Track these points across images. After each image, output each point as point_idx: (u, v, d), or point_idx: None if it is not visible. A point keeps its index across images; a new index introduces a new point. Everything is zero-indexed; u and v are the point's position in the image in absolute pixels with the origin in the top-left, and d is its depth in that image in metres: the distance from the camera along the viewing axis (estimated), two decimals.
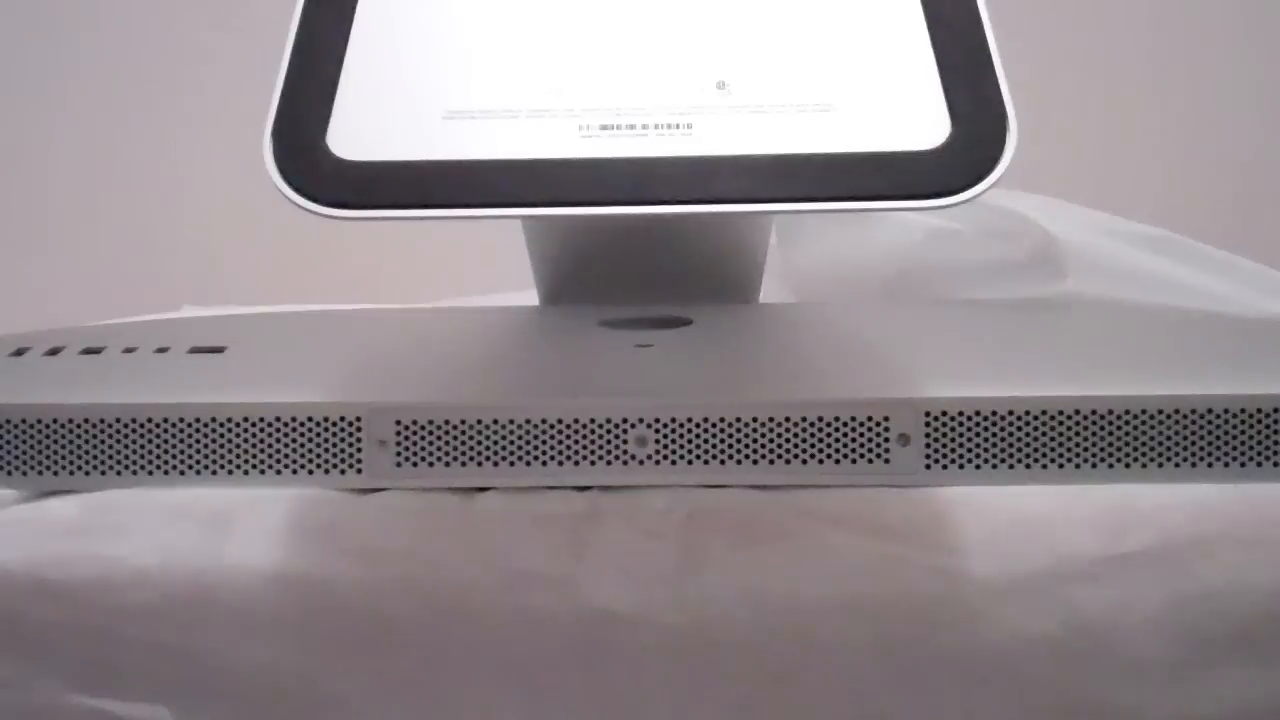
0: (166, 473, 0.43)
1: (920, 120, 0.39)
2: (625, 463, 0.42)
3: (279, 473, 0.43)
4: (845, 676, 0.40)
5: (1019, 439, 0.42)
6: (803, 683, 0.40)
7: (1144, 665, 0.40)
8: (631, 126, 0.40)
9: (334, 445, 0.43)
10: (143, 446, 0.43)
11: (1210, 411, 0.42)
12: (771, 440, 0.42)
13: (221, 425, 0.43)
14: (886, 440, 0.42)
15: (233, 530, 0.41)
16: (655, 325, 0.51)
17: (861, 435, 0.42)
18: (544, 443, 0.42)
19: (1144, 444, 0.42)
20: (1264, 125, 1.37)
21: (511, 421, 0.42)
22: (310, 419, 0.43)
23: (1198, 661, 0.40)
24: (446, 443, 0.42)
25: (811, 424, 0.42)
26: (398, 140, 0.40)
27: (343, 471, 0.43)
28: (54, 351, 0.49)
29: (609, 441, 0.42)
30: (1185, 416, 0.42)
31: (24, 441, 0.43)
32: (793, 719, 0.41)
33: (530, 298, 0.61)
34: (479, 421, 0.42)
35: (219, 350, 0.49)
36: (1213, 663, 0.40)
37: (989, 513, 0.41)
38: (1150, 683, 0.40)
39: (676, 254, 0.56)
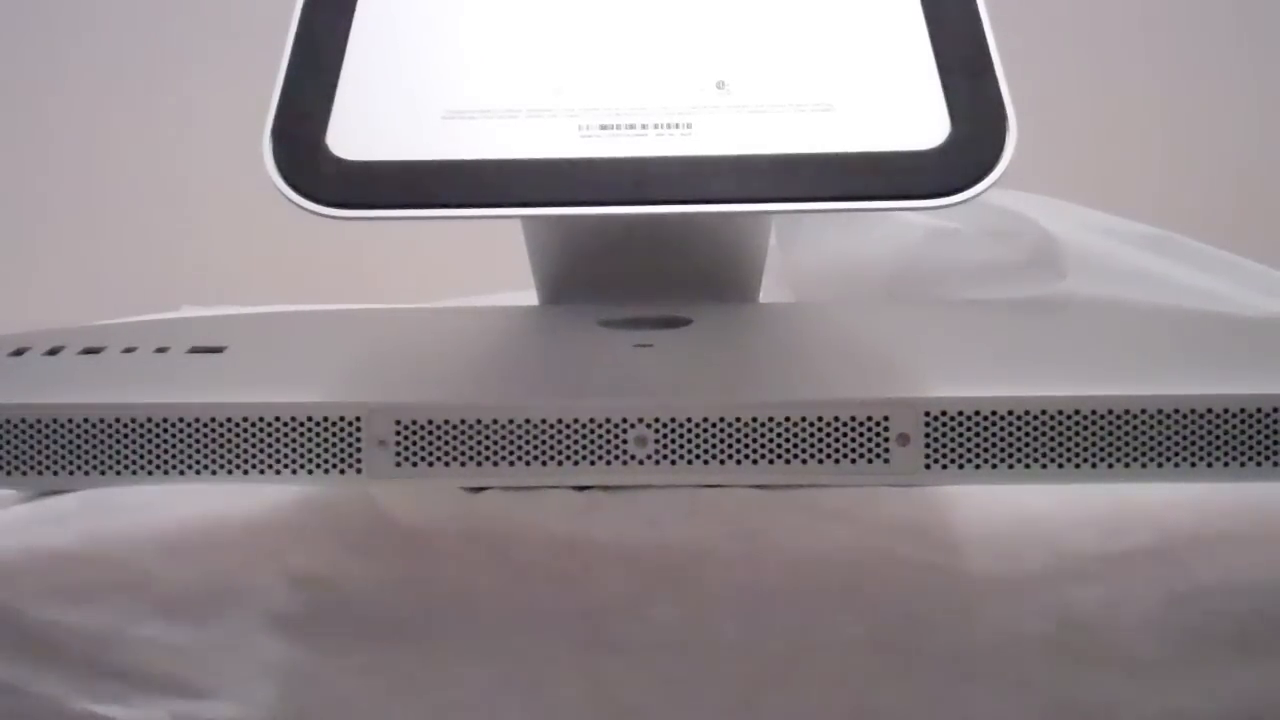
0: (166, 473, 0.43)
1: (920, 120, 0.39)
2: (625, 463, 0.42)
3: (279, 473, 0.43)
4: (844, 675, 0.40)
5: (1019, 439, 0.42)
6: (801, 681, 0.40)
7: (1141, 665, 0.40)
8: (631, 126, 0.40)
9: (334, 445, 0.43)
10: (143, 446, 0.43)
11: (1210, 411, 0.42)
12: (771, 440, 0.42)
13: (221, 425, 0.43)
14: (886, 440, 0.42)
15: (233, 531, 0.41)
16: (655, 325, 0.51)
17: (861, 435, 0.42)
18: (544, 443, 0.42)
19: (1144, 444, 0.42)
20: (1264, 125, 1.37)
21: (511, 421, 0.42)
22: (310, 419, 0.43)
23: (1195, 661, 0.40)
24: (446, 443, 0.42)
25: (811, 424, 0.42)
26: (398, 140, 0.40)
27: (343, 471, 0.43)
28: (54, 351, 0.49)
29: (609, 441, 0.42)
30: (1185, 416, 0.42)
31: (24, 441, 0.43)
32: (791, 717, 0.41)
33: (530, 298, 0.61)
34: (479, 421, 0.42)
35: (219, 350, 0.49)
36: (1210, 662, 0.40)
37: (988, 512, 0.41)
38: (1148, 682, 0.40)
39: (676, 254, 0.56)
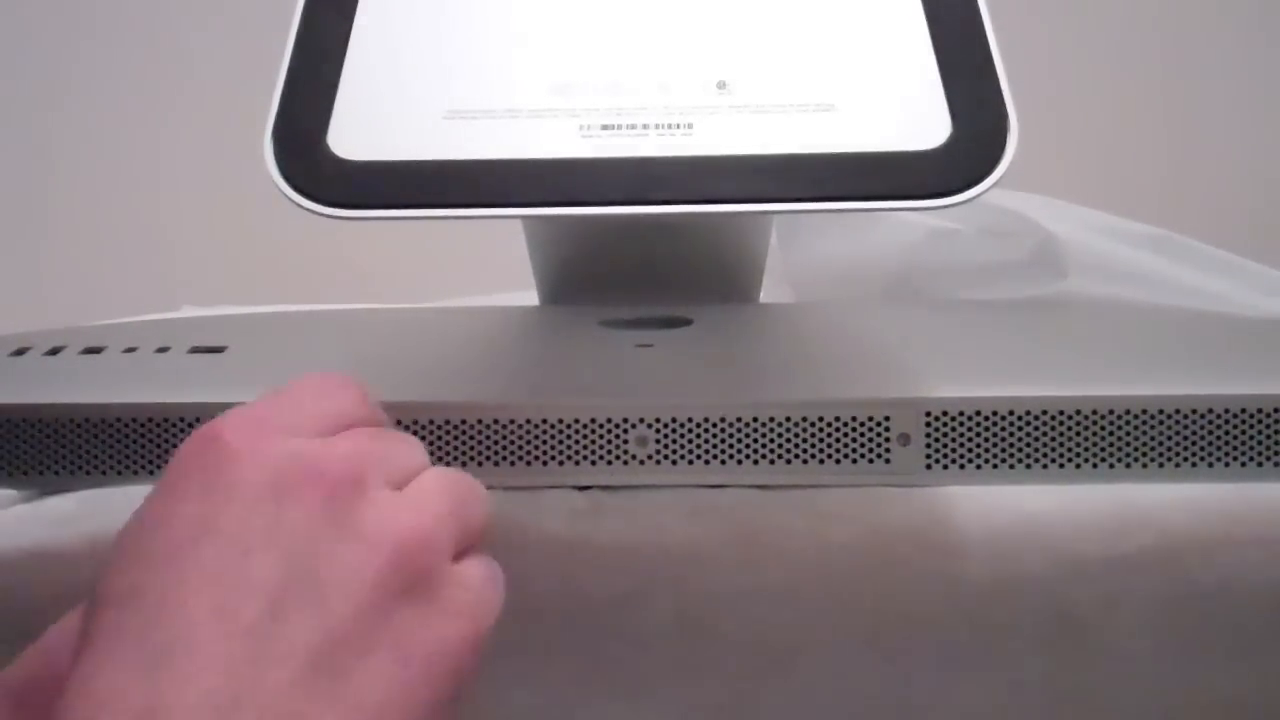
0: None
1: (921, 120, 0.39)
2: (625, 463, 0.42)
3: None
4: (845, 674, 0.40)
5: (1019, 439, 0.42)
6: (802, 680, 0.40)
7: (1141, 665, 0.40)
8: (632, 126, 0.40)
9: None
10: (143, 446, 0.43)
11: (1210, 411, 0.42)
12: (772, 440, 0.42)
13: None
14: (887, 440, 0.42)
15: None
16: (655, 325, 0.51)
17: (862, 435, 0.42)
18: (544, 443, 0.42)
19: (1144, 444, 0.42)
20: (1265, 125, 1.37)
21: (512, 421, 0.42)
22: None
23: (1196, 661, 0.40)
24: (447, 442, 0.42)
25: (812, 424, 0.42)
26: (398, 140, 0.40)
27: None
28: (54, 351, 0.49)
29: (609, 441, 0.42)
30: (1185, 416, 0.42)
31: (24, 441, 0.43)
32: (792, 715, 0.41)
33: (530, 298, 0.61)
34: (479, 421, 0.42)
35: (219, 350, 0.49)
36: (1211, 662, 0.40)
37: (989, 513, 0.41)
38: (1147, 683, 0.40)
39: (676, 254, 0.56)
